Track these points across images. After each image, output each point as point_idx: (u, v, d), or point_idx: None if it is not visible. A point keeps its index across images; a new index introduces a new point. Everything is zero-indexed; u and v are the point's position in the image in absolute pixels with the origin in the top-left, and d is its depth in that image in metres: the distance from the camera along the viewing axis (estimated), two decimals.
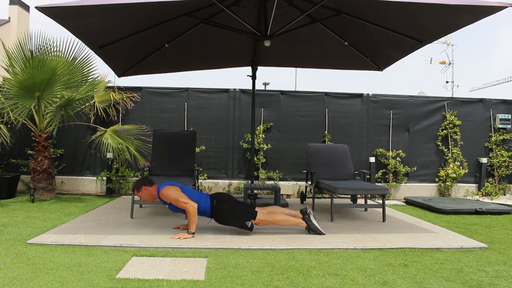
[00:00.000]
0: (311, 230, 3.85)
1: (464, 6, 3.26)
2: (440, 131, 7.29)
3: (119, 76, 5.44)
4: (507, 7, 3.09)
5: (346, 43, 5.33)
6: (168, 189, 3.73)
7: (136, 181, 3.92)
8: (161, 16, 4.42)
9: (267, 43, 4.83)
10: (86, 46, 4.84)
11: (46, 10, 3.09)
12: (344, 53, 5.64)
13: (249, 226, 3.74)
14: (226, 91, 7.09)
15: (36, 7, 2.92)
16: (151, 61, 5.41)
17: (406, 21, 4.28)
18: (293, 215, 3.95)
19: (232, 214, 3.75)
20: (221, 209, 3.77)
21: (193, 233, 3.63)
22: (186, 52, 5.61)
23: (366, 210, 5.49)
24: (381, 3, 3.82)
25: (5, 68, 5.67)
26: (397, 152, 7.14)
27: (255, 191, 5.98)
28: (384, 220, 4.66)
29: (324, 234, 3.83)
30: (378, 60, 5.68)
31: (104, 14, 3.66)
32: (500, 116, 7.30)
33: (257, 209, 3.83)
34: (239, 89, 7.11)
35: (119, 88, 6.91)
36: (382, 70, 5.89)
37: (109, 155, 6.54)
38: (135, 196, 4.63)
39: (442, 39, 14.59)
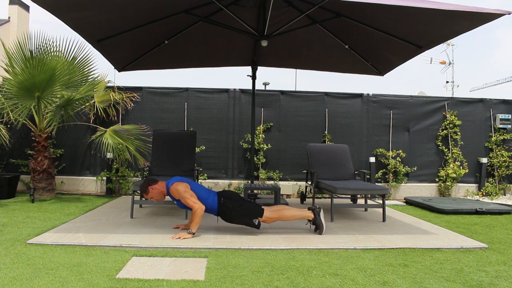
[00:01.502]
0: (315, 223, 3.87)
1: (464, 13, 3.26)
2: (440, 131, 7.29)
3: (119, 71, 5.44)
4: (504, 14, 3.11)
5: (347, 46, 5.34)
6: (178, 185, 3.71)
7: (140, 186, 3.86)
8: (160, 12, 4.40)
9: (264, 43, 4.84)
10: (86, 46, 4.85)
11: (41, 2, 3.06)
12: (345, 56, 5.64)
13: (256, 224, 3.74)
14: (226, 91, 7.09)
15: None
16: (151, 56, 5.41)
17: (406, 27, 4.30)
18: (300, 210, 3.96)
19: (239, 212, 3.73)
20: (228, 207, 3.74)
21: (193, 233, 3.63)
22: (187, 49, 5.62)
23: (366, 210, 5.49)
24: (380, 7, 3.83)
25: (4, 69, 5.67)
26: (397, 152, 7.14)
27: (255, 191, 5.98)
28: (384, 220, 4.66)
29: (321, 234, 3.84)
30: (379, 64, 5.68)
31: (100, 7, 3.63)
32: (500, 116, 7.30)
33: (263, 207, 3.83)
34: (239, 89, 7.11)
35: (119, 88, 6.91)
36: (383, 75, 5.90)
37: (109, 155, 6.54)
38: (135, 196, 4.63)
39: None
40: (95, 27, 4.08)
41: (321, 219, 3.87)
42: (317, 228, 3.88)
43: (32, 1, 2.93)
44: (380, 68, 5.75)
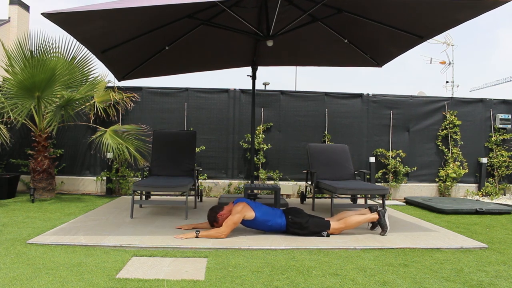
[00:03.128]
0: (380, 224, 3.92)
1: (466, 1, 3.24)
2: (440, 131, 7.29)
3: (119, 80, 5.42)
4: (508, 1, 3.06)
5: (346, 41, 5.33)
6: (238, 205, 3.75)
7: (208, 216, 3.88)
8: (163, 19, 4.41)
9: (269, 43, 4.82)
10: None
11: (52, 17, 3.09)
12: (343, 50, 5.63)
13: (325, 236, 3.77)
14: (226, 91, 7.09)
15: (42, 14, 2.91)
16: (151, 64, 5.40)
17: (407, 17, 4.26)
18: (362, 213, 4.02)
19: (307, 228, 3.78)
20: (296, 222, 3.79)
21: (197, 237, 3.62)
22: (187, 54, 5.61)
23: None
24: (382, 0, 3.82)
25: (4, 69, 5.67)
26: (397, 152, 7.14)
27: (255, 191, 5.98)
28: None
29: (385, 235, 3.88)
30: (378, 56, 5.66)
31: (108, 18, 3.66)
32: (500, 116, 7.30)
33: (327, 219, 3.89)
34: (239, 89, 7.11)
35: (119, 88, 6.91)
36: (381, 66, 5.87)
37: (109, 155, 6.53)
38: (135, 196, 4.63)
39: (442, 39, 14.58)
40: (100, 38, 4.10)
41: (385, 219, 3.92)
42: (382, 228, 3.92)
43: (46, 17, 2.96)
44: (379, 59, 5.72)
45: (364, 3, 4.31)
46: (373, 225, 4.05)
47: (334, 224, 3.83)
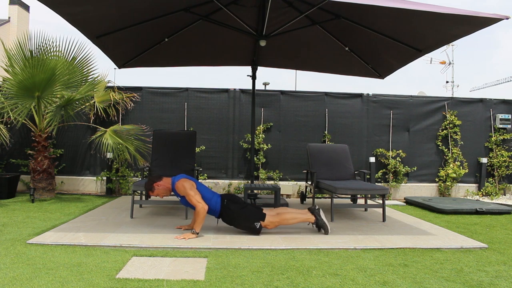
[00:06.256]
0: (319, 225, 3.87)
1: (462, 17, 3.28)
2: (440, 131, 7.29)
3: (119, 68, 5.47)
4: (502, 19, 3.14)
5: (347, 48, 5.34)
6: (184, 182, 3.71)
7: (145, 184, 3.85)
8: (159, 9, 4.41)
9: (262, 43, 4.84)
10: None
11: None
12: (345, 58, 5.65)
13: (257, 227, 3.72)
14: (226, 91, 7.09)
15: None
16: (152, 54, 5.42)
17: (405, 30, 4.32)
18: (301, 213, 3.97)
19: (241, 214, 3.74)
20: (231, 209, 3.76)
21: (197, 233, 3.63)
22: (187, 47, 5.63)
23: (366, 210, 5.49)
24: (379, 10, 3.85)
25: (4, 69, 5.67)
26: (397, 152, 7.14)
27: (255, 191, 5.98)
28: (384, 220, 4.66)
29: (328, 234, 3.84)
30: (379, 67, 5.68)
31: (98, 2, 3.66)
32: (500, 116, 7.30)
33: (265, 210, 3.83)
34: (239, 89, 7.11)
35: (119, 88, 6.91)
36: (383, 78, 5.90)
37: (109, 155, 6.54)
38: (135, 196, 4.63)
39: None
40: (93, 23, 4.09)
41: (323, 219, 3.88)
42: (322, 228, 3.88)
43: None
44: (380, 71, 5.74)
45: (362, 12, 4.33)
46: (319, 227, 3.92)
47: (269, 217, 3.75)
